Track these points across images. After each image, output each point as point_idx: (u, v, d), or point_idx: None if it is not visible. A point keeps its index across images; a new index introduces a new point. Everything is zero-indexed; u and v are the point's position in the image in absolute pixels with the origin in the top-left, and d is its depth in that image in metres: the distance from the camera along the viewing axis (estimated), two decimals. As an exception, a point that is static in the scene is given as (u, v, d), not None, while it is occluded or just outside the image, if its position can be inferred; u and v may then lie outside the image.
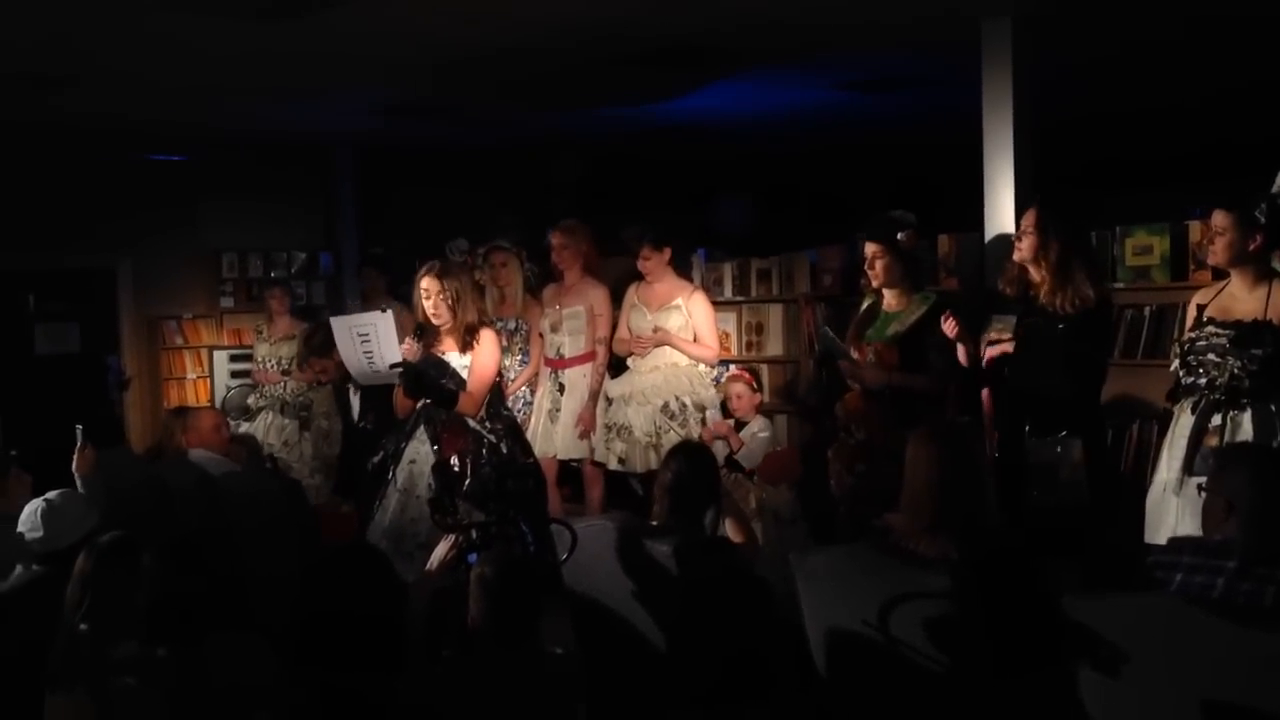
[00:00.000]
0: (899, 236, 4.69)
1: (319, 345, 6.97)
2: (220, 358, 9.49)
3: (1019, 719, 2.91)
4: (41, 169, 8.85)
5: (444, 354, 4.85)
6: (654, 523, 3.77)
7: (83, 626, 3.12)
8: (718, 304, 6.40)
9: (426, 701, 2.65)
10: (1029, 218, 4.38)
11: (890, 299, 4.78)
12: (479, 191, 9.99)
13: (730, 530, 4.08)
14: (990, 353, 4.46)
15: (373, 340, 4.77)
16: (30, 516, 3.71)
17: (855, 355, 4.76)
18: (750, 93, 7.97)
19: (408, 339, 4.95)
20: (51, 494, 3.84)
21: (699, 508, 3.83)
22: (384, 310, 4.99)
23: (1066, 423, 4.21)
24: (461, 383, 4.78)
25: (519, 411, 5.99)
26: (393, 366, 4.73)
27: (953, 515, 3.24)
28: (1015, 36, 5.73)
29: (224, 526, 4.62)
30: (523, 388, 6.28)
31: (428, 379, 4.74)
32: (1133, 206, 6.01)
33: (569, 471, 6.30)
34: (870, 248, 4.74)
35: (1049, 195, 4.52)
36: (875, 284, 4.77)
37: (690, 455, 3.98)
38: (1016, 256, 4.41)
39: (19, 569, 3.69)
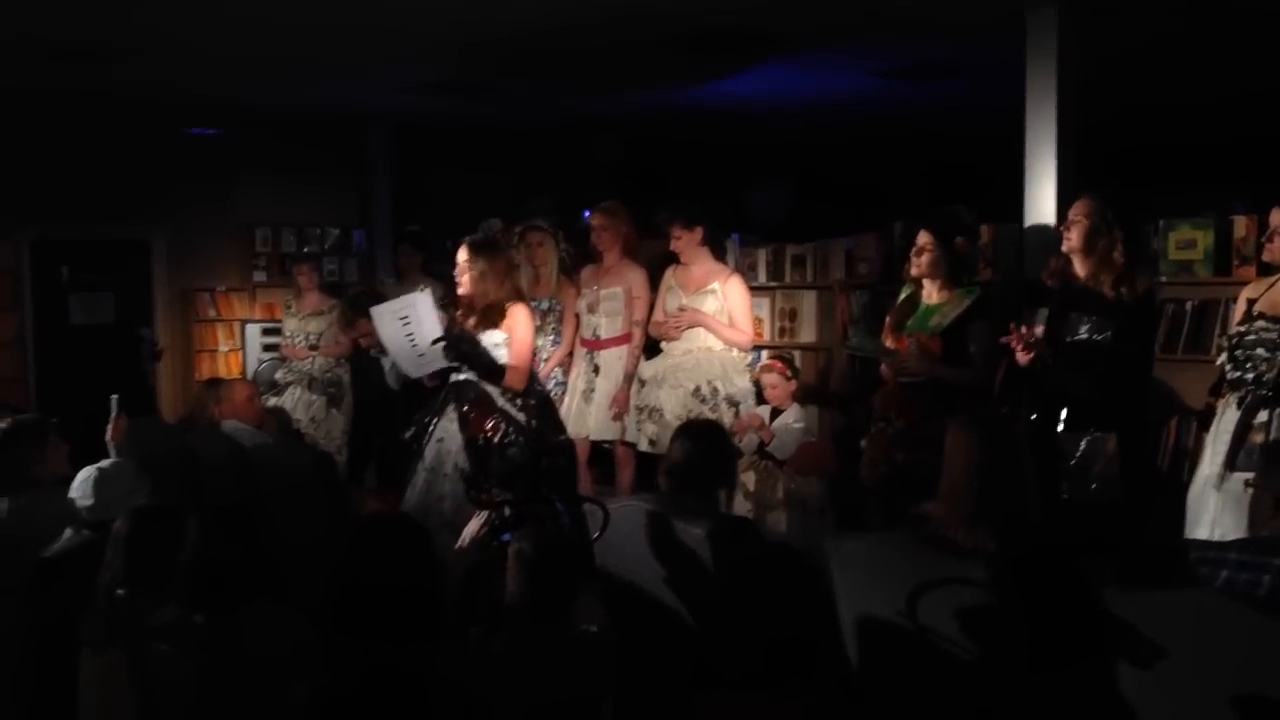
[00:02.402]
0: (957, 240, 4.66)
1: (366, 306, 6.90)
2: (252, 331, 9.55)
3: (1056, 713, 2.88)
4: (78, 140, 8.89)
5: (473, 329, 4.88)
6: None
7: (120, 591, 3.15)
8: (751, 289, 6.36)
9: (462, 676, 2.65)
10: (1081, 207, 4.33)
11: (931, 290, 4.73)
12: (514, 172, 9.99)
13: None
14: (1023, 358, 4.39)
15: (413, 321, 4.77)
16: (83, 484, 3.75)
17: (893, 346, 4.73)
18: (790, 79, 7.94)
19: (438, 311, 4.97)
20: (104, 463, 3.89)
21: (707, 486, 3.74)
22: (421, 289, 5.00)
23: (1103, 418, 4.16)
24: (492, 359, 4.80)
25: (552, 392, 5.98)
26: (435, 342, 4.74)
27: (992, 505, 3.20)
28: (1061, 26, 5.66)
29: (255, 497, 4.64)
30: (555, 369, 6.28)
31: (472, 351, 4.75)
32: (1175, 199, 5.95)
33: (599, 452, 6.29)
34: (923, 237, 4.69)
35: (1099, 189, 4.47)
36: (915, 273, 4.73)
37: (694, 435, 3.81)
38: (1065, 247, 4.36)
39: (69, 532, 3.73)
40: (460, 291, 4.92)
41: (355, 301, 7.28)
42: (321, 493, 4.82)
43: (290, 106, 8.88)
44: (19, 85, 7.76)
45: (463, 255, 4.88)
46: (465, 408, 4.81)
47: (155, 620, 3.01)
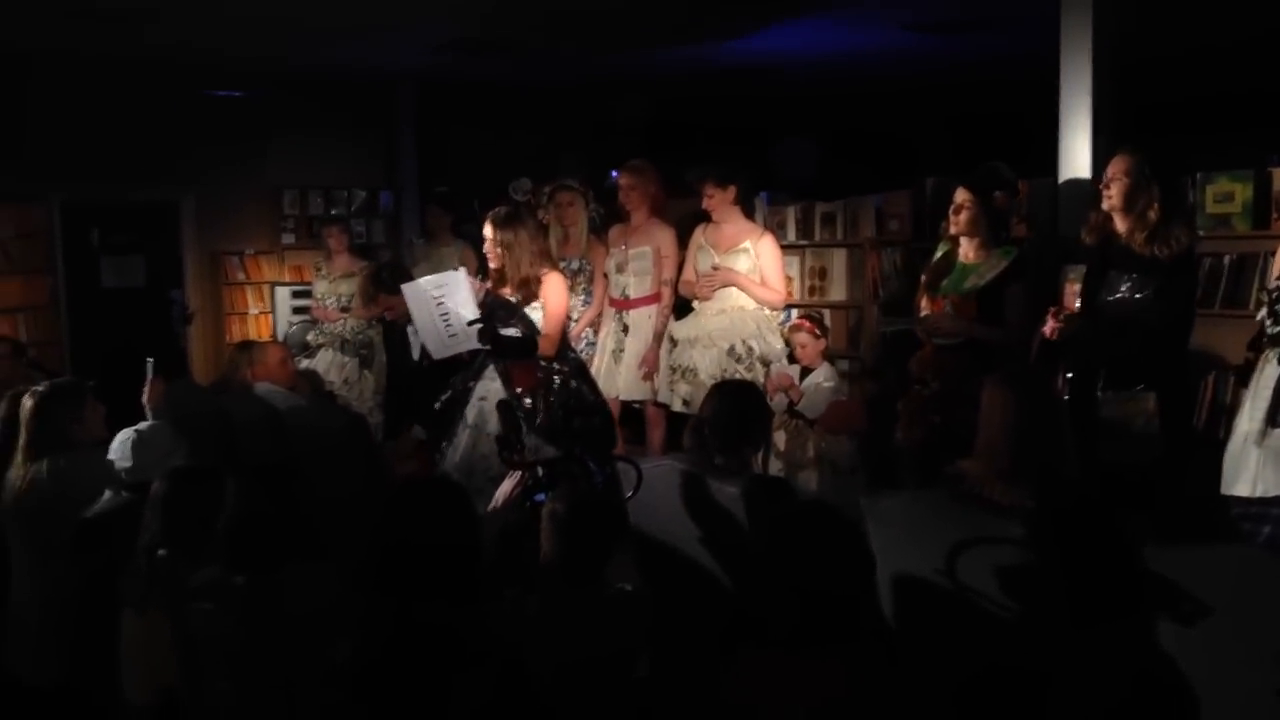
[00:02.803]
0: (996, 195, 4.60)
1: (388, 281, 6.89)
2: (282, 293, 9.58)
3: (1096, 670, 2.87)
4: (108, 103, 8.90)
5: (510, 296, 4.94)
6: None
7: (160, 552, 3.17)
8: (781, 247, 6.31)
9: (500, 635, 2.66)
10: (1120, 164, 4.26)
11: (967, 249, 4.68)
12: (541, 131, 9.94)
13: None
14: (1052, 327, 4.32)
15: (448, 299, 4.84)
16: (121, 446, 3.79)
17: (928, 308, 4.69)
18: (820, 34, 7.85)
19: (474, 279, 5.05)
20: (142, 425, 3.92)
21: (741, 446, 3.73)
22: (456, 268, 5.08)
23: (1144, 376, 4.12)
24: (531, 324, 4.88)
25: (582, 352, 5.98)
26: (471, 323, 4.81)
27: (1029, 462, 3.18)
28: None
29: (289, 459, 4.66)
30: (586, 329, 6.27)
31: (507, 323, 4.81)
32: (1212, 151, 5.85)
33: (629, 413, 6.29)
34: (961, 194, 4.64)
35: (1138, 142, 4.39)
36: (954, 231, 4.68)
37: (730, 395, 3.80)
38: (1106, 205, 4.29)
39: (108, 494, 3.77)
40: (492, 266, 5.03)
41: (378, 276, 7.24)
42: (356, 454, 4.84)
43: (317, 67, 8.86)
44: (49, 48, 7.76)
45: (488, 232, 4.97)
46: (507, 365, 4.89)
47: (196, 580, 3.04)
